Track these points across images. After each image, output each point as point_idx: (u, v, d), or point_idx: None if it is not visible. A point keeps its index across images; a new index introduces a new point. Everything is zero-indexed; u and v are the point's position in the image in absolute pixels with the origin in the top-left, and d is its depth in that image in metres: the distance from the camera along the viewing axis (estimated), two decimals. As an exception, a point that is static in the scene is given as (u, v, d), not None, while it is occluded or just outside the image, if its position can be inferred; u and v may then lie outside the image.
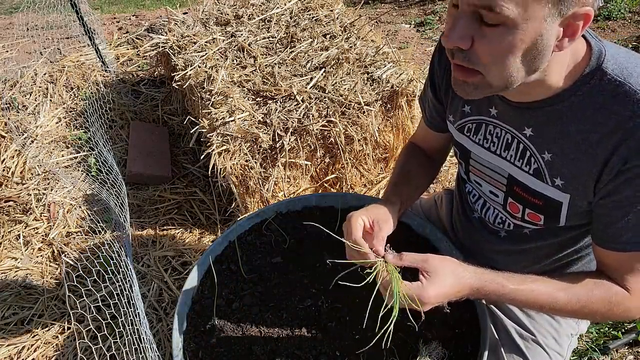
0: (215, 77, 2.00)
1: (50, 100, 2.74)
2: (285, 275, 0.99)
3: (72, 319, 1.74)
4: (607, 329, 1.65)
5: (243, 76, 2.04)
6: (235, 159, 1.77)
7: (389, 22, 4.34)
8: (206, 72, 2.06)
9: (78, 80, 2.92)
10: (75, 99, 2.80)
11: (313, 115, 1.81)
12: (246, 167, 1.82)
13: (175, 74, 2.18)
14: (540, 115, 0.79)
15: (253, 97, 1.94)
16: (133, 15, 4.38)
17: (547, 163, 0.80)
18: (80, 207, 2.24)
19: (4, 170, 2.32)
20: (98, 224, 2.05)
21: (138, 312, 1.22)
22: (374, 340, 0.76)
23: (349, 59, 2.09)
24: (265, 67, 2.09)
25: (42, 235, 2.12)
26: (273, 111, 1.84)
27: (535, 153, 0.82)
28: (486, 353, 0.78)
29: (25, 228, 2.14)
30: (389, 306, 0.74)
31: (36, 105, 2.68)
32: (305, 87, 1.92)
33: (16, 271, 1.97)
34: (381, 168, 2.20)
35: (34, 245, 2.07)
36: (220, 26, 2.46)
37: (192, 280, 0.97)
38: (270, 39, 2.30)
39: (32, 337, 1.73)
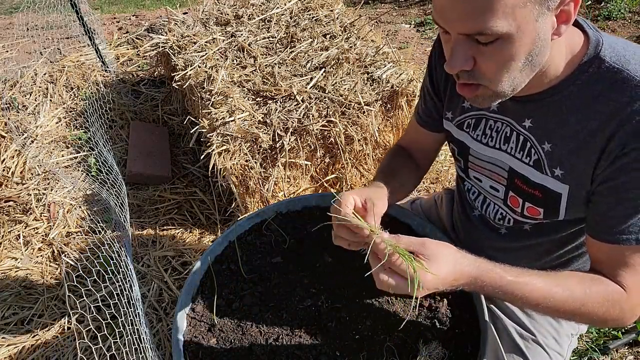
0: (215, 77, 2.00)
1: (50, 100, 2.74)
2: (285, 275, 0.99)
3: (72, 319, 1.74)
4: (607, 328, 1.65)
5: (243, 76, 2.04)
6: (235, 159, 1.77)
7: (389, 22, 4.34)
8: (206, 72, 2.06)
9: (78, 80, 2.92)
10: (75, 99, 2.80)
11: (313, 115, 1.81)
12: (246, 167, 1.82)
13: (175, 74, 2.18)
14: (540, 106, 0.80)
15: (253, 97, 1.94)
16: (133, 15, 4.38)
17: (547, 153, 0.80)
18: (80, 207, 2.24)
19: (4, 170, 2.32)
20: (98, 224, 2.05)
21: (138, 312, 1.22)
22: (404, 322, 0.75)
23: (349, 59, 2.09)
24: (265, 67, 2.09)
25: (42, 235, 2.12)
26: (273, 111, 1.84)
27: (535, 144, 0.82)
28: (486, 353, 0.78)
29: (25, 228, 2.14)
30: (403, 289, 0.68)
31: (36, 105, 2.68)
32: (305, 87, 1.92)
33: (16, 271, 1.97)
34: (381, 168, 2.20)
35: (34, 245, 2.07)
36: (220, 26, 2.46)
37: (192, 280, 0.97)
38: (270, 39, 2.30)
39: (32, 337, 1.73)
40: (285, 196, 1.93)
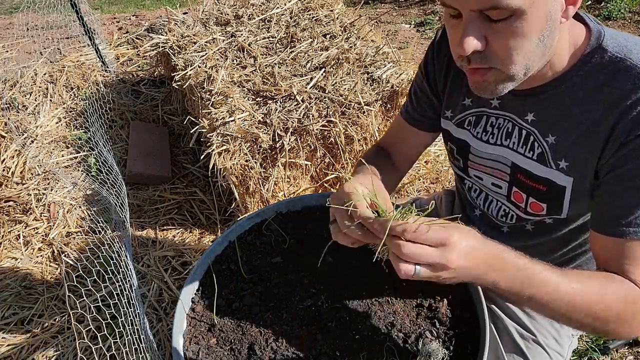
0: (215, 77, 2.00)
1: (50, 100, 2.74)
2: (285, 275, 0.99)
3: (72, 319, 1.74)
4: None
5: (243, 76, 2.04)
6: (235, 159, 1.77)
7: (389, 22, 4.34)
8: (206, 72, 2.06)
9: (78, 80, 2.92)
10: (75, 99, 2.80)
11: (313, 115, 1.81)
12: (246, 167, 1.82)
13: (175, 74, 2.18)
14: (543, 99, 0.80)
15: (253, 97, 1.94)
16: (133, 15, 4.38)
17: (551, 146, 0.80)
18: (80, 207, 2.24)
19: (4, 170, 2.32)
20: (98, 224, 2.05)
21: (138, 312, 1.22)
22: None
23: (349, 59, 2.09)
24: (265, 67, 2.09)
25: (42, 235, 2.12)
26: (273, 111, 1.84)
27: (539, 137, 0.82)
28: (486, 353, 0.78)
29: (25, 228, 2.14)
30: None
31: (36, 105, 2.68)
32: (305, 87, 1.92)
33: (16, 271, 1.97)
34: (381, 168, 2.20)
35: (34, 245, 2.07)
36: (220, 26, 2.46)
37: (192, 280, 0.97)
38: (270, 39, 2.30)
39: (32, 337, 1.73)
40: (285, 196, 1.93)
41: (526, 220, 0.94)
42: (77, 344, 1.63)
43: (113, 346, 1.50)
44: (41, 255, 2.04)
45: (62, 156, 2.47)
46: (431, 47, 0.98)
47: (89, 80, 2.93)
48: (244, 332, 0.89)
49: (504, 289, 0.67)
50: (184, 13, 2.86)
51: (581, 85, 0.75)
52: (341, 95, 1.89)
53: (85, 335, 1.56)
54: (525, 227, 0.95)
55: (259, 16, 2.47)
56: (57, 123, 2.64)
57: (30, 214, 2.19)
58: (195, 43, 2.29)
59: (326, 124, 1.83)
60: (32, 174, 2.35)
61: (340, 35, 2.29)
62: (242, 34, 2.32)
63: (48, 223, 2.16)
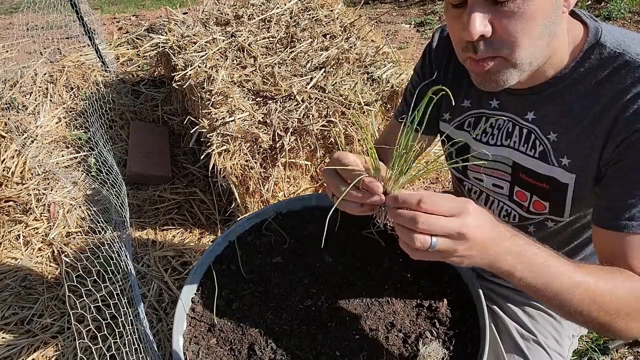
0: (215, 77, 2.00)
1: (50, 100, 2.74)
2: (285, 275, 0.98)
3: (72, 319, 1.74)
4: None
5: (243, 76, 2.04)
6: (235, 159, 1.77)
7: (389, 22, 4.34)
8: (206, 72, 2.06)
9: (78, 80, 2.92)
10: (75, 99, 2.80)
11: (313, 115, 1.81)
12: (246, 167, 1.82)
13: (175, 74, 2.18)
14: (543, 97, 0.80)
15: (253, 97, 1.94)
16: (133, 15, 4.38)
17: (552, 143, 0.80)
18: (80, 207, 2.24)
19: (4, 170, 2.32)
20: (98, 224, 2.05)
21: (138, 312, 1.22)
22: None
23: (349, 59, 2.09)
24: (265, 67, 2.09)
25: (42, 235, 2.12)
26: (273, 111, 1.84)
27: (540, 135, 0.82)
28: (486, 353, 0.78)
29: (25, 228, 2.14)
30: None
31: (36, 105, 2.68)
32: (305, 87, 1.92)
33: (16, 271, 1.97)
34: (381, 168, 2.20)
35: (34, 245, 2.07)
36: (220, 26, 2.46)
37: (192, 280, 0.97)
38: (270, 39, 2.30)
39: (32, 337, 1.73)
40: (285, 196, 1.93)
41: (528, 221, 0.94)
42: (77, 344, 1.63)
43: (113, 346, 1.50)
44: (41, 255, 2.04)
45: (62, 156, 2.47)
46: (427, 49, 0.98)
47: (89, 80, 2.93)
48: (244, 332, 0.89)
49: (519, 277, 0.64)
50: (184, 13, 2.86)
51: (581, 81, 0.75)
52: (341, 95, 1.89)
53: (85, 335, 1.56)
54: (527, 229, 0.95)
55: (259, 16, 2.47)
56: (57, 123, 2.64)
57: (30, 214, 2.19)
58: (195, 43, 2.29)
59: (326, 124, 1.83)
60: (32, 174, 2.35)
61: (340, 35, 2.29)
62: (242, 34, 2.32)
63: (48, 223, 2.16)
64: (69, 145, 2.54)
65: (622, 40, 0.73)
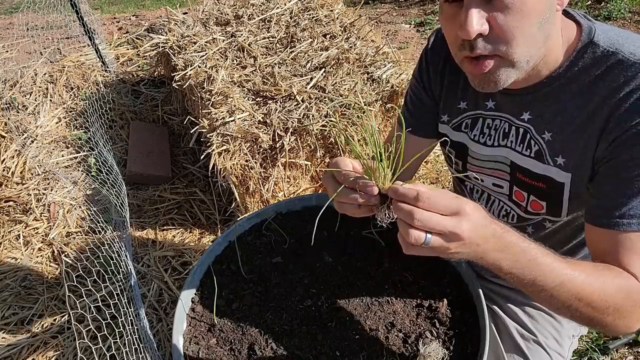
0: (215, 77, 2.00)
1: (50, 100, 2.74)
2: (285, 275, 0.99)
3: (72, 319, 1.74)
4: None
5: (243, 76, 2.04)
6: (235, 159, 1.77)
7: (389, 22, 4.34)
8: (206, 72, 2.06)
9: (78, 80, 2.92)
10: (75, 99, 2.80)
11: (313, 115, 1.81)
12: (246, 167, 1.82)
13: (175, 74, 2.18)
14: (538, 97, 0.80)
15: (253, 97, 1.94)
16: (133, 15, 4.38)
17: (547, 143, 0.81)
18: (80, 207, 2.24)
19: (4, 170, 2.32)
20: (98, 224, 2.05)
21: (138, 312, 1.22)
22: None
23: (349, 59, 2.08)
24: (265, 67, 2.09)
25: (42, 235, 2.12)
26: (273, 111, 1.84)
27: (535, 135, 0.82)
28: (486, 353, 0.78)
29: (25, 228, 2.14)
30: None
31: (36, 105, 2.68)
32: (305, 87, 1.92)
33: (16, 271, 1.97)
34: (381, 168, 2.20)
35: (34, 245, 2.07)
36: (220, 26, 2.46)
37: (192, 280, 0.97)
38: (270, 39, 2.30)
39: (32, 337, 1.73)
40: (285, 196, 1.93)
41: (527, 221, 0.94)
42: (77, 344, 1.63)
43: (113, 346, 1.50)
44: (41, 255, 2.04)
45: (62, 156, 2.47)
46: (424, 53, 0.99)
47: (89, 80, 2.93)
48: (244, 332, 0.89)
49: (506, 271, 0.65)
50: (184, 13, 2.86)
51: (575, 80, 0.75)
52: (341, 95, 1.89)
53: (85, 335, 1.56)
54: (526, 230, 0.95)
55: (259, 16, 2.47)
56: (57, 123, 2.64)
57: (30, 214, 2.19)
58: (195, 43, 2.29)
59: (326, 124, 1.83)
60: (32, 174, 2.35)
61: (340, 35, 2.29)
62: (242, 34, 2.32)
63: (48, 223, 2.16)
64: (69, 145, 2.54)
65: (615, 39, 0.73)
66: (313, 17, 2.43)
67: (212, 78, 2.01)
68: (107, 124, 2.65)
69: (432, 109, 1.01)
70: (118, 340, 1.17)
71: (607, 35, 0.74)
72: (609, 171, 0.73)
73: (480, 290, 0.86)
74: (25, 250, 2.06)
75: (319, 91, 1.91)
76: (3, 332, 1.75)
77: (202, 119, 1.86)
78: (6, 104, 2.63)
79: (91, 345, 1.14)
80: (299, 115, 1.82)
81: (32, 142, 2.48)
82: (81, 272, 1.37)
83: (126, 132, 2.67)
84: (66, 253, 2.02)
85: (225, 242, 1.06)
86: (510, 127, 0.86)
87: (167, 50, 2.36)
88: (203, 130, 1.84)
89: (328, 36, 2.29)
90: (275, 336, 0.87)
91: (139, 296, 1.56)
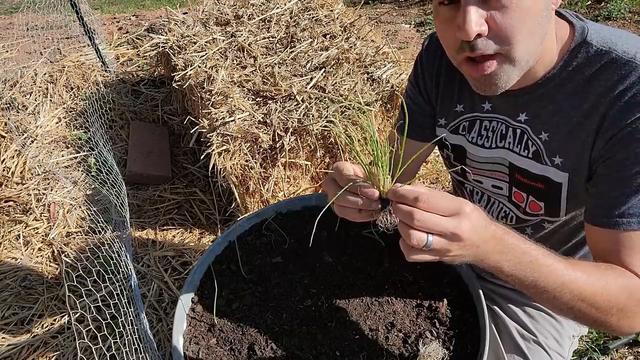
0: (215, 77, 2.00)
1: (50, 100, 2.74)
2: (285, 275, 0.98)
3: (72, 319, 1.74)
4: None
5: (243, 76, 2.04)
6: (235, 159, 1.77)
7: (389, 22, 4.34)
8: (206, 72, 2.06)
9: (78, 80, 2.92)
10: (75, 99, 2.80)
11: (313, 115, 1.81)
12: (246, 167, 1.82)
13: (175, 74, 2.18)
14: (533, 98, 0.80)
15: (253, 97, 1.94)
16: (133, 15, 4.38)
17: (544, 143, 0.81)
18: (80, 207, 2.24)
19: (4, 170, 2.32)
20: (98, 224, 2.05)
21: (138, 312, 1.22)
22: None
23: (349, 59, 2.08)
24: (265, 67, 2.09)
25: (42, 235, 2.12)
26: (273, 111, 1.84)
27: (532, 135, 0.82)
28: (486, 353, 0.78)
29: (25, 228, 2.14)
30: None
31: (36, 105, 2.68)
32: (305, 87, 1.92)
33: (16, 271, 1.97)
34: (381, 168, 2.20)
35: (34, 245, 2.07)
36: (220, 26, 2.46)
37: (192, 280, 0.97)
38: (270, 39, 2.30)
39: (32, 337, 1.73)
40: (285, 196, 1.93)
41: (525, 222, 0.94)
42: (77, 344, 1.63)
43: (113, 346, 1.50)
44: (41, 255, 2.04)
45: (62, 156, 2.47)
46: (419, 58, 0.99)
47: (89, 80, 2.93)
48: (244, 332, 0.89)
49: (507, 273, 0.65)
50: (184, 13, 2.86)
51: (570, 80, 0.76)
52: (341, 95, 1.89)
53: (85, 335, 1.56)
54: (525, 231, 0.95)
55: (259, 16, 2.47)
56: (57, 123, 2.64)
57: (30, 214, 2.19)
58: (195, 43, 2.29)
59: (326, 124, 1.83)
60: (32, 174, 2.35)
61: (340, 35, 2.29)
62: (242, 34, 2.32)
63: (48, 223, 2.16)
64: (69, 145, 2.54)
65: (608, 38, 0.73)
66: (313, 17, 2.43)
67: (212, 78, 2.01)
68: (107, 124, 2.65)
69: (429, 113, 1.01)
70: (118, 340, 1.17)
71: (599, 34, 0.74)
72: (606, 170, 0.73)
73: (480, 290, 0.86)
74: (25, 250, 2.06)
75: (319, 91, 1.91)
76: (3, 332, 1.75)
77: (202, 119, 1.86)
78: (6, 104, 2.63)
79: (91, 345, 1.14)
80: (299, 115, 1.82)
81: (32, 142, 2.48)
82: (81, 272, 1.38)
83: (126, 132, 2.67)
84: (66, 253, 2.02)
85: (225, 242, 1.06)
86: (507, 128, 0.86)
87: (167, 50, 2.36)
88: (203, 130, 1.84)
89: (328, 36, 2.29)
90: (275, 336, 0.87)
91: (139, 296, 1.56)
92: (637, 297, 0.68)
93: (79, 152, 2.51)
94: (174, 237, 2.14)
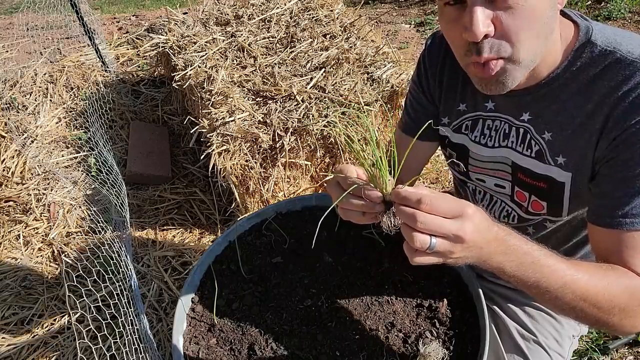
0: (215, 77, 2.00)
1: (50, 100, 2.74)
2: (285, 275, 0.99)
3: (72, 319, 1.74)
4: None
5: (243, 76, 2.04)
6: (235, 159, 1.77)
7: (389, 22, 4.34)
8: (206, 72, 2.06)
9: (78, 80, 2.92)
10: (75, 99, 2.80)
11: (313, 115, 1.81)
12: (246, 167, 1.82)
13: (175, 74, 2.18)
14: (537, 97, 0.80)
15: (253, 97, 1.94)
16: (133, 15, 4.38)
17: (547, 143, 0.81)
18: (80, 207, 2.24)
19: (4, 170, 2.32)
20: (98, 224, 2.05)
21: (138, 312, 1.22)
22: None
23: (349, 59, 2.08)
24: (265, 67, 2.09)
25: (42, 235, 2.12)
26: (273, 111, 1.84)
27: (535, 135, 0.82)
28: (486, 353, 0.78)
29: (25, 228, 2.14)
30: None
31: (36, 105, 2.68)
32: (305, 87, 1.92)
33: (16, 271, 1.97)
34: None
35: (34, 245, 2.07)
36: (220, 26, 2.46)
37: (192, 280, 0.97)
38: (270, 39, 2.30)
39: (32, 337, 1.73)
40: (285, 196, 1.93)
41: (527, 222, 0.94)
42: (77, 344, 1.63)
43: (113, 346, 1.50)
44: (41, 255, 2.04)
45: (62, 156, 2.47)
46: (421, 58, 0.99)
47: (89, 80, 2.93)
48: (244, 332, 0.89)
49: (510, 274, 0.65)
50: (184, 13, 2.86)
51: (574, 80, 0.75)
52: (341, 95, 1.89)
53: (85, 335, 1.56)
54: (527, 231, 0.95)
55: (259, 16, 2.47)
56: (57, 123, 2.64)
57: (30, 214, 2.19)
58: (195, 43, 2.29)
59: (326, 124, 1.83)
60: (32, 174, 2.35)
61: (340, 35, 2.29)
62: (242, 34, 2.32)
63: (48, 223, 2.16)
64: (69, 145, 2.54)
65: (613, 38, 0.73)
66: (313, 17, 2.43)
67: (212, 78, 2.01)
68: (107, 124, 2.65)
69: (432, 112, 1.01)
70: (118, 340, 1.17)
71: (604, 34, 0.74)
72: (609, 170, 0.73)
73: (480, 290, 0.86)
74: (25, 250, 2.06)
75: (319, 91, 1.91)
76: (3, 332, 1.75)
77: (202, 119, 1.86)
78: (6, 104, 2.63)
79: (91, 345, 1.14)
80: (299, 115, 1.82)
81: (32, 142, 2.48)
82: (81, 272, 1.38)
83: (126, 132, 2.67)
84: (66, 253, 2.02)
85: (225, 242, 1.06)
86: (510, 127, 0.86)
87: (167, 50, 2.36)
88: (203, 130, 1.84)
89: (328, 36, 2.29)
90: (275, 336, 0.87)
91: (139, 296, 1.56)
92: (639, 297, 0.68)
93: (79, 152, 2.51)
94: (174, 237, 2.14)
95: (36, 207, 2.21)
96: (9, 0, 4.97)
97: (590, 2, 3.93)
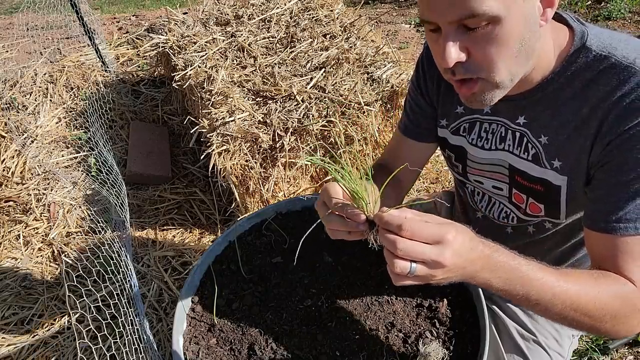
0: (215, 77, 2.00)
1: (50, 100, 2.74)
2: (285, 275, 0.99)
3: (72, 319, 1.74)
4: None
5: (243, 76, 2.04)
6: (235, 159, 1.77)
7: (389, 22, 4.34)
8: (206, 72, 2.06)
9: (78, 80, 2.92)
10: (75, 99, 2.80)
11: (313, 115, 1.81)
12: (246, 167, 1.82)
13: (175, 74, 2.18)
14: (532, 102, 0.80)
15: (253, 97, 1.94)
16: (133, 15, 4.38)
17: (544, 146, 0.81)
18: (80, 207, 2.24)
19: (4, 170, 2.32)
20: (98, 224, 2.05)
21: (138, 312, 1.22)
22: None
23: (349, 59, 2.08)
24: (265, 67, 2.09)
25: (42, 235, 2.12)
26: (273, 111, 1.84)
27: (531, 138, 0.83)
28: (486, 353, 0.78)
29: (25, 228, 2.14)
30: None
31: (36, 105, 2.68)
32: (305, 87, 1.92)
33: (16, 271, 1.97)
34: (381, 168, 2.19)
35: (34, 245, 2.07)
36: (220, 26, 2.46)
37: (192, 280, 0.97)
38: (270, 39, 2.30)
39: (32, 337, 1.73)
40: (285, 196, 1.93)
41: (527, 222, 0.94)
42: (77, 344, 1.63)
43: (113, 346, 1.50)
44: (41, 255, 2.04)
45: (62, 156, 2.47)
46: (420, 60, 0.99)
47: (89, 80, 2.93)
48: (244, 332, 0.89)
49: (497, 289, 0.67)
50: (184, 13, 2.86)
51: (569, 84, 0.75)
52: (341, 95, 1.89)
53: (85, 335, 1.56)
54: (527, 230, 0.96)
55: (259, 16, 2.47)
56: (57, 123, 2.64)
57: (30, 214, 2.19)
58: (195, 43, 2.29)
59: (326, 124, 1.83)
60: (32, 174, 2.35)
61: (340, 35, 2.29)
62: (242, 34, 2.32)
63: (48, 223, 2.16)
64: (69, 145, 2.54)
65: (608, 42, 0.73)
66: (313, 17, 2.43)
67: (212, 78, 2.01)
68: (107, 124, 2.65)
69: (431, 114, 1.01)
70: (118, 340, 1.17)
71: (599, 39, 0.73)
72: (604, 175, 0.73)
73: (480, 290, 0.86)
74: (25, 250, 2.06)
75: (319, 91, 1.91)
76: (3, 332, 1.75)
77: (202, 119, 1.86)
78: (6, 104, 2.63)
79: (91, 345, 1.14)
80: (299, 115, 1.82)
81: (32, 142, 2.48)
82: (81, 272, 1.38)
83: (126, 132, 2.67)
84: (66, 253, 2.02)
85: (225, 242, 1.06)
86: (506, 130, 0.87)
87: (167, 50, 2.36)
88: (203, 130, 1.84)
89: (328, 36, 2.29)
90: (275, 336, 0.87)
91: (139, 296, 1.56)
92: (631, 302, 0.69)
93: (79, 152, 2.51)
94: (174, 237, 2.14)
95: (36, 207, 2.21)
96: (9, 0, 4.97)
97: (590, 2, 3.93)
